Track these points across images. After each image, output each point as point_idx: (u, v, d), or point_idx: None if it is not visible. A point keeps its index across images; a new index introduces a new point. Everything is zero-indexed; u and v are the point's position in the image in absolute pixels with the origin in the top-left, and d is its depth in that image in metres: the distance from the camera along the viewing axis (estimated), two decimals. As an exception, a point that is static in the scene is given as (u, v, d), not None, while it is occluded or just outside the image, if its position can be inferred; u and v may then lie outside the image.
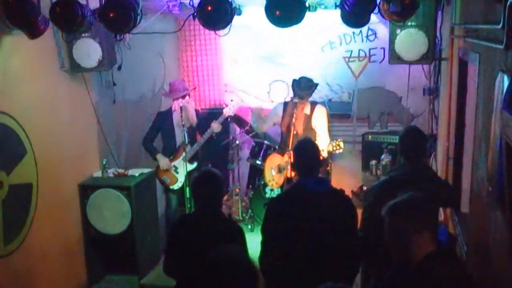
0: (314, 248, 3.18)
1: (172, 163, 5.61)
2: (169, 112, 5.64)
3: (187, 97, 5.51)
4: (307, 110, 5.26)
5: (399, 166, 3.73)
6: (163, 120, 5.64)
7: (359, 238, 3.39)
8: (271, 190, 5.76)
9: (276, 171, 5.51)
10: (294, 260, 3.17)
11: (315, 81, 5.43)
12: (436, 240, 2.44)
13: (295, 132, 5.18)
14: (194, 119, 5.56)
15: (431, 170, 4.26)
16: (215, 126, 5.51)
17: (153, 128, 5.70)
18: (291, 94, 5.50)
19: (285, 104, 5.40)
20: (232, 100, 5.73)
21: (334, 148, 5.29)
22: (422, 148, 3.75)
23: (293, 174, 5.02)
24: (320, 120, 5.30)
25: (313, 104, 5.40)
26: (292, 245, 3.19)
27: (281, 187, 5.40)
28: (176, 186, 5.64)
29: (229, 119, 5.93)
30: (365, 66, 6.46)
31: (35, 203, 4.36)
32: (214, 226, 3.20)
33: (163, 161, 5.58)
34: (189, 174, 5.44)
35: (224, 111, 5.61)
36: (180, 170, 5.59)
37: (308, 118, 5.25)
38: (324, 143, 5.07)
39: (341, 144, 5.26)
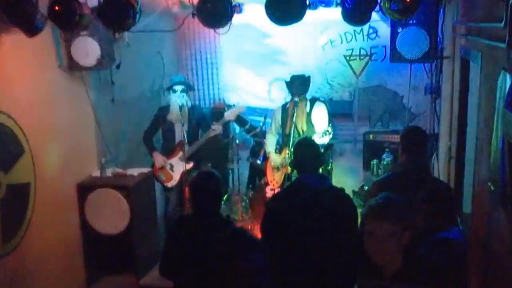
0: (314, 245, 3.15)
1: (168, 161, 5.59)
2: (168, 107, 5.61)
3: (184, 95, 5.47)
4: (307, 107, 5.24)
5: (401, 163, 3.80)
6: (164, 115, 5.61)
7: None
8: (271, 190, 5.71)
9: (277, 170, 5.48)
10: (294, 258, 3.14)
11: (311, 77, 5.40)
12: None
13: (297, 131, 5.14)
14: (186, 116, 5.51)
15: (429, 171, 4.28)
16: (216, 128, 5.48)
17: (153, 123, 5.69)
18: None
19: (283, 106, 5.35)
20: (234, 105, 5.68)
21: (324, 135, 5.17)
22: (423, 146, 3.77)
23: (294, 171, 5.01)
24: (319, 117, 5.27)
25: (313, 101, 5.38)
26: (291, 243, 3.16)
27: (281, 186, 5.36)
28: (170, 184, 5.63)
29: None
30: (366, 65, 6.43)
31: (33, 203, 4.33)
32: (212, 228, 3.15)
33: (158, 158, 5.57)
34: (185, 173, 5.41)
35: (225, 114, 5.58)
36: (176, 169, 5.58)
37: (308, 115, 5.23)
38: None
39: (330, 129, 5.14)
